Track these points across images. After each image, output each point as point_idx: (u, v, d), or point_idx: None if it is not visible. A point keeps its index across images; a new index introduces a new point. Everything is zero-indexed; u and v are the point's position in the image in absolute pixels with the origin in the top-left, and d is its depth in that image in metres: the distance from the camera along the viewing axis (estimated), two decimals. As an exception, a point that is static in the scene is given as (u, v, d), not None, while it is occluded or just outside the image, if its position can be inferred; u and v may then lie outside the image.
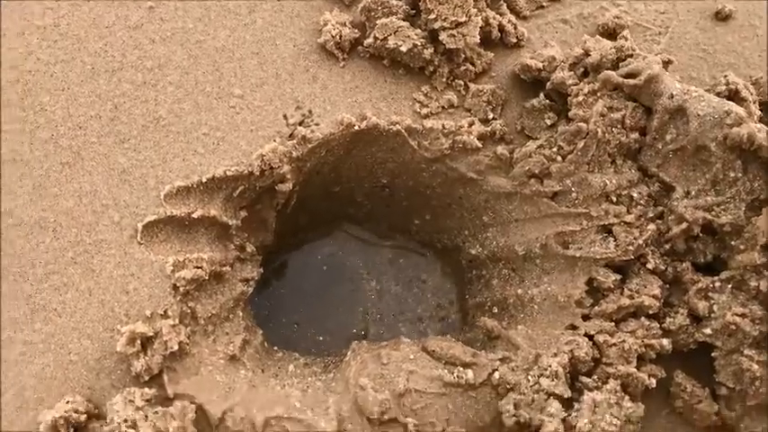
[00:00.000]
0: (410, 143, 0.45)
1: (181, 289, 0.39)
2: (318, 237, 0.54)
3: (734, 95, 0.43)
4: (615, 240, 0.41)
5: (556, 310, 0.42)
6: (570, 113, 0.43)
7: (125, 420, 0.35)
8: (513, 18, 0.49)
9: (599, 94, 0.42)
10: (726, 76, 0.44)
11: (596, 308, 0.41)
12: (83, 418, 0.35)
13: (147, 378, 0.37)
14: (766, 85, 0.46)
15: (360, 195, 0.51)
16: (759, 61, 0.49)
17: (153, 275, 0.40)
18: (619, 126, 0.41)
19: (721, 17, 0.51)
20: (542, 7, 0.51)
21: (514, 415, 0.38)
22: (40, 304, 0.39)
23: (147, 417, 0.35)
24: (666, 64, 0.45)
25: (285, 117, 0.45)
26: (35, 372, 0.37)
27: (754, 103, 0.43)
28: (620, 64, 0.43)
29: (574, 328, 0.41)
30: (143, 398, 0.36)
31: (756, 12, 0.52)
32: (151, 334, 0.37)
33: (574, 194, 0.42)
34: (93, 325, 0.39)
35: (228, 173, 0.43)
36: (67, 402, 0.36)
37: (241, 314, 0.44)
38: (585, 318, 0.41)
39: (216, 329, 0.42)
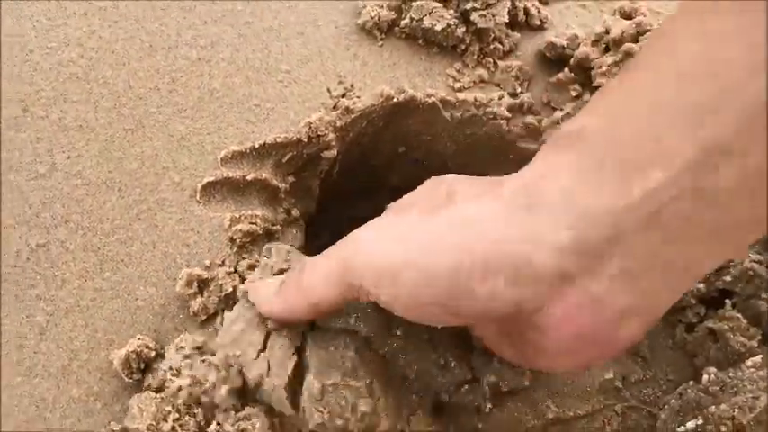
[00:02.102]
0: (443, 114, 0.49)
1: (237, 241, 0.42)
2: (358, 206, 0.57)
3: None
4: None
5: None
6: (594, 83, 0.46)
7: (170, 368, 0.38)
8: (536, 2, 0.53)
9: (621, 65, 0.46)
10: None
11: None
12: (152, 354, 0.38)
13: (203, 317, 0.40)
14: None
15: (397, 168, 0.54)
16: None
17: (211, 230, 0.43)
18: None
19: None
20: (564, -7, 0.55)
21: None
22: (109, 256, 0.42)
23: (192, 365, 0.37)
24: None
25: (329, 90, 0.49)
26: (105, 315, 0.40)
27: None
28: (640, 38, 0.46)
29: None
30: (193, 345, 0.39)
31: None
32: (207, 277, 0.40)
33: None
34: (157, 274, 0.41)
35: (278, 139, 0.46)
36: (138, 339, 0.38)
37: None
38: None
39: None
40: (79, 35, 0.48)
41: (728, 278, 0.42)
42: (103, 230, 0.42)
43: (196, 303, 0.40)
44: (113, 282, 0.41)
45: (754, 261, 0.41)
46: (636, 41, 0.46)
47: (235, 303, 0.39)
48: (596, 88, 0.46)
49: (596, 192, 0.25)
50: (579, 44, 0.49)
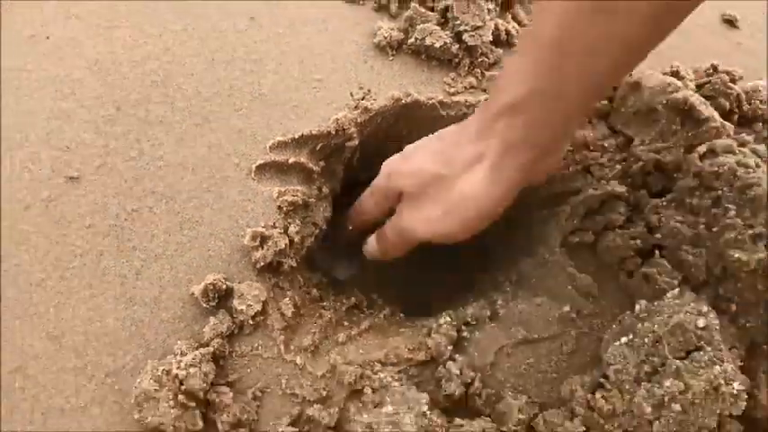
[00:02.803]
0: (441, 113, 0.62)
1: (283, 209, 0.55)
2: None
3: (675, 74, 0.60)
4: (592, 175, 0.57)
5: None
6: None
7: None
8: (516, 25, 0.67)
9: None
10: (671, 65, 0.61)
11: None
12: (225, 286, 0.51)
13: (262, 263, 0.53)
14: (701, 71, 0.63)
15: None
16: (701, 57, 0.66)
17: (263, 201, 0.56)
18: (593, 96, 0.58)
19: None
20: (538, 18, 0.68)
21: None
22: (186, 218, 0.55)
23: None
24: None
25: (351, 94, 0.62)
26: (185, 261, 0.53)
27: (691, 81, 0.60)
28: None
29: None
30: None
31: (698, 22, 0.69)
32: (267, 234, 0.53)
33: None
34: (224, 232, 0.54)
35: (313, 132, 0.59)
36: (213, 276, 0.51)
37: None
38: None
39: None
40: (158, 51, 0.62)
41: (659, 235, 0.54)
42: (181, 199, 0.55)
43: (256, 254, 0.52)
44: (190, 237, 0.54)
45: (678, 221, 0.53)
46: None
47: (285, 258, 0.52)
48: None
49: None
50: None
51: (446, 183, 0.47)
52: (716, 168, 0.52)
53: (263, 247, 0.53)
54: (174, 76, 0.61)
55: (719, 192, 0.52)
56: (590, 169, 0.57)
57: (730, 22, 0.69)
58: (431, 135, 0.52)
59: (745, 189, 0.51)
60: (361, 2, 0.67)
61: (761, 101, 0.59)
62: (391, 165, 0.53)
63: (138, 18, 0.63)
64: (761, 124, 0.59)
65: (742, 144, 0.55)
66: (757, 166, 0.52)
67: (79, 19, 0.63)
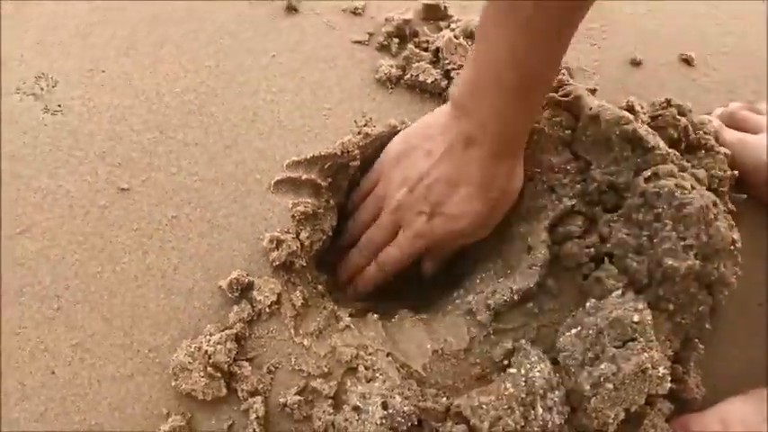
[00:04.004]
0: (432, 139, 0.73)
1: (296, 217, 0.66)
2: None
3: (630, 108, 0.70)
4: (556, 193, 0.67)
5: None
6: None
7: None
8: (498, 63, 0.77)
9: (546, 106, 0.69)
10: (627, 99, 0.71)
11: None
12: (246, 280, 0.62)
13: (277, 263, 0.63)
14: (657, 104, 0.72)
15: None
16: (659, 92, 0.76)
17: (280, 211, 0.67)
18: (558, 126, 0.68)
19: (634, 63, 0.79)
20: (518, 57, 0.79)
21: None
22: (216, 224, 0.65)
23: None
24: (592, 91, 0.72)
25: (355, 122, 0.73)
26: (214, 260, 0.64)
27: (645, 113, 0.70)
28: (559, 90, 0.70)
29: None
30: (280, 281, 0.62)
31: (659, 61, 0.79)
32: (282, 238, 0.64)
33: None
34: (246, 236, 0.65)
35: (322, 153, 0.70)
36: (237, 272, 0.62)
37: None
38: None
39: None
40: (195, 84, 0.74)
41: (609, 245, 0.64)
42: (212, 208, 0.67)
43: (273, 254, 0.63)
44: (219, 240, 0.65)
45: (625, 233, 0.63)
46: (557, 92, 0.70)
47: (297, 258, 0.63)
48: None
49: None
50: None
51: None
52: (657, 189, 0.62)
53: (278, 249, 0.64)
54: (208, 105, 0.72)
55: (660, 209, 0.62)
56: (554, 188, 0.67)
57: (687, 62, 0.79)
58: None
59: (681, 207, 0.60)
60: (366, 43, 0.78)
61: (705, 132, 0.69)
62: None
63: (179, 56, 0.75)
64: (703, 152, 0.68)
65: (682, 169, 0.65)
66: (692, 188, 0.62)
67: (129, 56, 0.76)
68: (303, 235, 0.65)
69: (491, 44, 0.55)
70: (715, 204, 0.61)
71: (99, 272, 0.63)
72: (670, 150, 0.65)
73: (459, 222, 0.63)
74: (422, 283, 0.73)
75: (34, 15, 0.79)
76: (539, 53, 0.55)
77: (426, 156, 0.63)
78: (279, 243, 0.63)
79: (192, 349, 0.57)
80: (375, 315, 0.65)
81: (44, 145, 0.69)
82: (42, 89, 0.73)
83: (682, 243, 0.60)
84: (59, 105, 0.71)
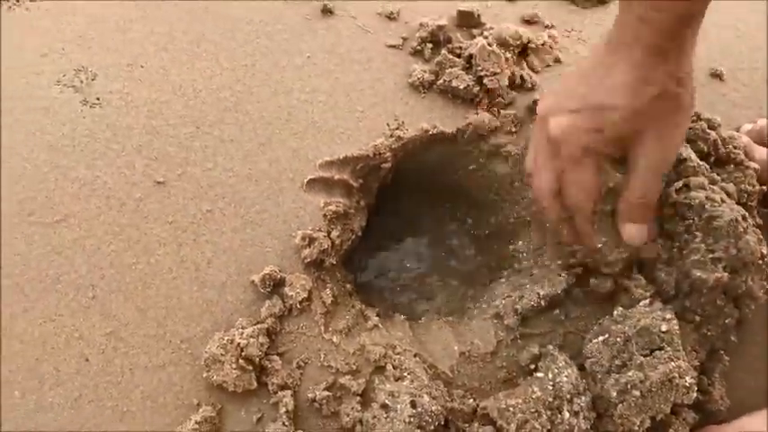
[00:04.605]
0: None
1: (328, 216, 0.67)
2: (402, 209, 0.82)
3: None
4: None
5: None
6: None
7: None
8: (530, 72, 0.78)
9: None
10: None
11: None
12: (279, 276, 0.63)
13: (309, 260, 0.64)
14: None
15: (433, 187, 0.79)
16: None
17: (312, 210, 0.68)
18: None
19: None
20: (549, 66, 0.80)
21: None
22: (249, 220, 0.67)
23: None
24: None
25: (388, 124, 0.74)
26: (247, 255, 0.65)
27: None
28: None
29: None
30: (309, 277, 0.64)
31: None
32: (314, 236, 0.65)
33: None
34: (279, 233, 0.66)
35: (355, 154, 0.71)
36: (270, 267, 0.63)
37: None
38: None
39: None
40: (231, 82, 0.75)
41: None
42: (246, 204, 0.68)
43: (305, 252, 0.65)
44: (252, 236, 0.67)
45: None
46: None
47: (327, 256, 0.64)
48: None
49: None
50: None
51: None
52: (688, 201, 0.63)
53: (310, 247, 0.65)
54: (243, 103, 0.74)
55: (690, 221, 0.62)
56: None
57: (718, 76, 0.80)
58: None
59: (711, 220, 0.61)
60: (400, 47, 0.80)
61: (735, 146, 0.70)
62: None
63: (216, 54, 0.77)
64: (733, 166, 0.69)
65: (713, 182, 0.65)
66: (722, 201, 0.63)
67: (167, 51, 0.77)
68: (334, 234, 0.66)
69: None
70: (744, 218, 0.61)
71: (134, 263, 0.64)
72: (701, 163, 0.66)
73: (612, 114, 0.55)
74: (450, 288, 0.74)
75: (76, 10, 0.81)
76: None
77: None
78: (311, 241, 0.65)
79: (225, 341, 0.59)
80: (402, 316, 0.66)
81: (82, 137, 0.70)
82: (82, 82, 0.74)
83: (711, 255, 0.60)
84: (98, 98, 0.73)
